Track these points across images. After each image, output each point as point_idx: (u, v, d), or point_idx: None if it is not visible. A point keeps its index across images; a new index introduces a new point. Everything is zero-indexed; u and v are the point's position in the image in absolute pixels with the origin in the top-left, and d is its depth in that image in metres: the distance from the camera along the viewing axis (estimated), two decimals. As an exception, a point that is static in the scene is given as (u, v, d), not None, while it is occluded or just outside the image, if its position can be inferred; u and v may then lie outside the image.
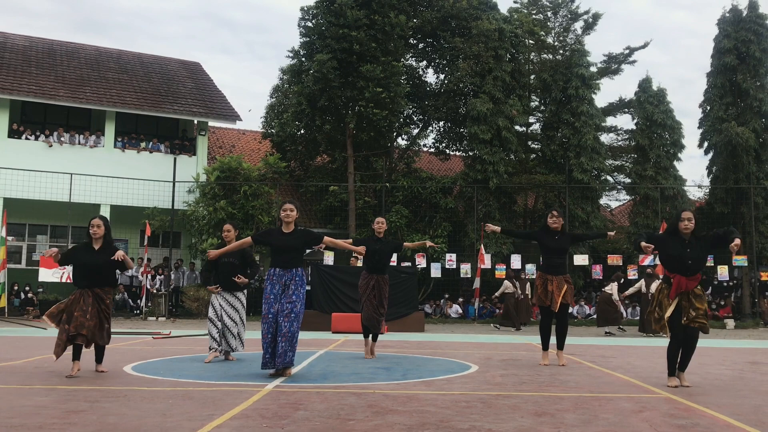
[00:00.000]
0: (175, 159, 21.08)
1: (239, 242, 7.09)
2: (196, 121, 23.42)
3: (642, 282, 16.21)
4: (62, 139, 21.20)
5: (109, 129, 21.84)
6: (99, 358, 6.79)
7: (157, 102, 22.87)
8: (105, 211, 20.42)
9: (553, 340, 8.11)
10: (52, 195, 19.60)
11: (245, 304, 8.26)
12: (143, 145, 22.37)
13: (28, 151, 20.51)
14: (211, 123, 24.22)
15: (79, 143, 21.45)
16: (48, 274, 17.94)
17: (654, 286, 15.76)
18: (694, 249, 6.16)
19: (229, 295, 8.12)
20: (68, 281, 17.97)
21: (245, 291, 8.30)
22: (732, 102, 23.17)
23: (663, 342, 13.72)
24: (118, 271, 6.90)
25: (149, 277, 19.78)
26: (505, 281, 18.37)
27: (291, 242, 6.66)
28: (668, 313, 6.11)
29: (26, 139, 20.89)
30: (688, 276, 6.10)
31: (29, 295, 19.61)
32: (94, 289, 6.57)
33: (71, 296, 6.63)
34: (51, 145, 20.94)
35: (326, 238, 6.90)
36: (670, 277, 6.20)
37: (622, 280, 18.12)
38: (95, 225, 6.68)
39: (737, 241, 6.01)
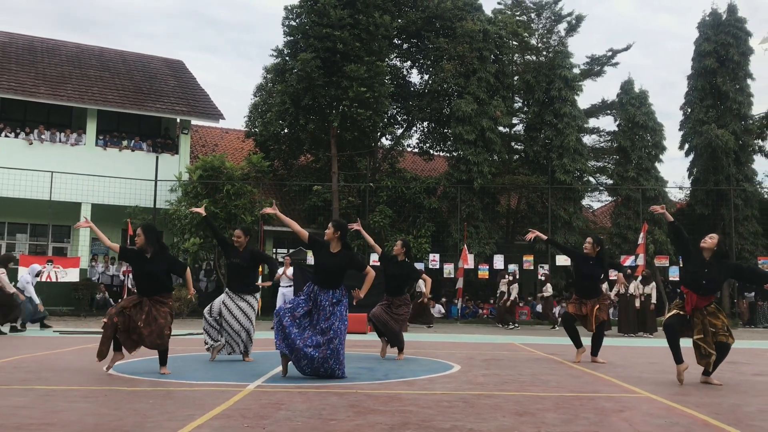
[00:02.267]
0: (157, 157, 20.91)
1: (297, 227, 6.92)
2: (178, 120, 23.25)
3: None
4: (43, 136, 20.95)
5: (91, 127, 21.62)
6: (163, 361, 6.58)
7: (139, 100, 22.67)
8: (86, 210, 20.22)
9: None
10: (32, 193, 19.36)
11: (256, 307, 7.82)
12: (125, 143, 22.18)
13: (7, 148, 20.23)
14: (194, 121, 24.06)
15: (60, 141, 21.21)
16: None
17: (632, 286, 15.90)
18: (712, 270, 6.21)
19: (238, 298, 7.65)
20: (48, 280, 17.74)
21: (257, 295, 7.85)
22: (712, 104, 23.43)
23: (643, 342, 13.86)
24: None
25: (130, 276, 19.60)
26: (420, 280, 18.44)
27: (333, 262, 6.48)
28: (667, 317, 6.45)
29: (6, 136, 20.61)
30: (700, 294, 6.18)
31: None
32: (152, 296, 6.37)
33: (133, 296, 6.49)
34: (31, 143, 20.70)
35: (371, 272, 6.57)
36: (684, 292, 6.30)
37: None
38: (137, 234, 6.45)
39: None
